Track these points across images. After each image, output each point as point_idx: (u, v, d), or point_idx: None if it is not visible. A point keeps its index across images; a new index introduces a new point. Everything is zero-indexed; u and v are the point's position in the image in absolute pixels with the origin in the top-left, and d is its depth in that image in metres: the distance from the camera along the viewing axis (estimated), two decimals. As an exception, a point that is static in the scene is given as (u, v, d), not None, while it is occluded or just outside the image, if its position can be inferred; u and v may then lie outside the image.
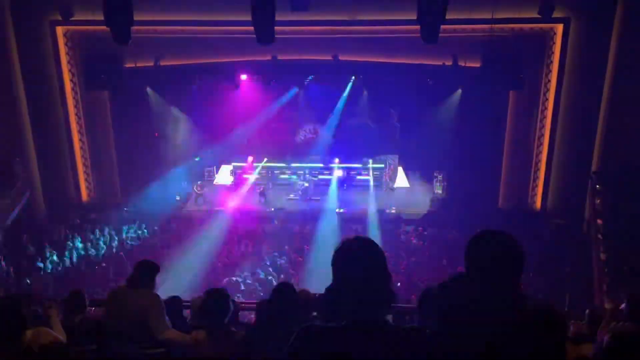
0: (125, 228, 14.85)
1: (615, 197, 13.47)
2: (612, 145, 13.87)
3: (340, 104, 17.08)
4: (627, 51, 13.15)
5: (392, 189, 17.55)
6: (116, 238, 14.45)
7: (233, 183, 17.89)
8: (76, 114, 15.71)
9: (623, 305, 4.59)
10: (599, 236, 13.05)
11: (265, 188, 17.17)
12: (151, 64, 14.93)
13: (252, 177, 17.78)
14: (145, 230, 14.98)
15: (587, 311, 5.39)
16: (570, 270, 12.85)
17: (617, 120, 13.66)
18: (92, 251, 13.80)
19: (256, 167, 17.87)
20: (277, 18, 9.59)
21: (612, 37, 13.47)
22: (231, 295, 4.42)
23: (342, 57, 14.51)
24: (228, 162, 18.37)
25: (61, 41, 14.95)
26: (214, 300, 4.18)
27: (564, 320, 2.62)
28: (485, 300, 2.28)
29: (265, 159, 17.90)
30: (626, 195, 13.23)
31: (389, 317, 2.29)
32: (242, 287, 11.81)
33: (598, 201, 13.74)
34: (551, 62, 14.38)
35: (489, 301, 2.27)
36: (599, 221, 13.33)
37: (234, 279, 12.11)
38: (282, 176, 18.18)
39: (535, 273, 12.26)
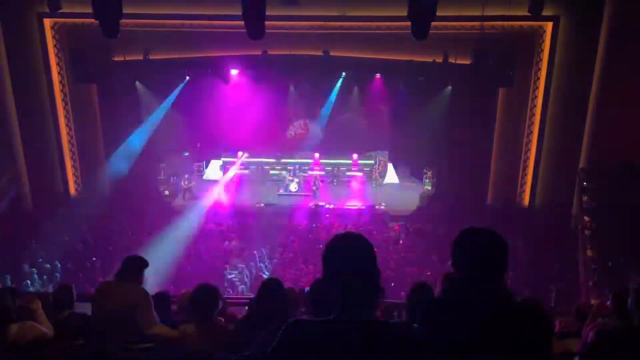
0: (113, 223, 14.76)
1: (602, 194, 13.61)
2: (600, 142, 14.00)
3: (330, 99, 17.09)
4: (616, 49, 13.26)
5: (382, 185, 17.63)
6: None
7: (222, 178, 17.86)
8: (64, 107, 15.55)
9: (608, 302, 4.64)
10: (586, 232, 13.19)
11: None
12: (140, 57, 14.79)
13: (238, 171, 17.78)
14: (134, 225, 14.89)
15: (573, 307, 5.45)
16: (556, 266, 12.98)
17: (605, 117, 13.78)
18: (80, 245, 13.71)
19: (247, 162, 17.89)
20: (268, 13, 9.55)
21: (601, 35, 13.58)
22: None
23: (332, 53, 14.49)
24: (217, 157, 18.33)
25: (49, 34, 14.78)
26: (203, 294, 4.19)
27: (550, 315, 2.65)
28: (471, 295, 2.30)
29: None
30: (613, 192, 13.37)
31: (377, 312, 2.30)
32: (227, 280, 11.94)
33: (585, 198, 13.88)
34: (540, 59, 14.46)
35: (476, 297, 2.28)
36: (586, 218, 13.47)
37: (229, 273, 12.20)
38: (273, 172, 18.19)
39: (521, 269, 12.37)
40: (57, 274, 12.47)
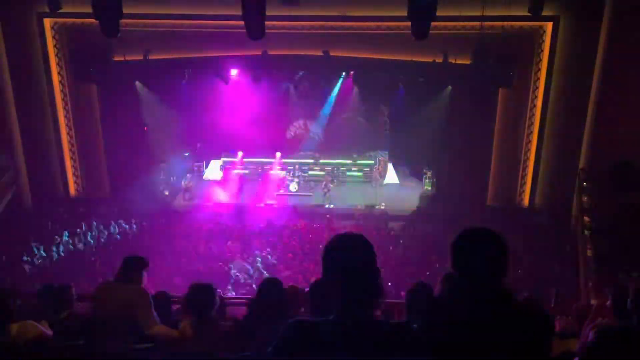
0: (113, 222, 14.75)
1: (602, 194, 13.60)
2: (599, 142, 14.00)
3: (330, 99, 17.08)
4: (615, 49, 13.26)
5: (382, 185, 17.62)
6: (105, 232, 14.37)
7: (222, 178, 17.85)
8: (64, 107, 15.57)
9: (608, 302, 4.65)
10: (586, 233, 13.18)
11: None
12: (140, 57, 14.80)
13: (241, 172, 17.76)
14: (134, 225, 14.88)
15: (573, 307, 5.45)
16: (556, 266, 12.98)
17: (605, 117, 13.78)
18: (80, 245, 13.70)
19: (246, 162, 17.85)
20: (268, 13, 9.56)
21: (601, 35, 13.59)
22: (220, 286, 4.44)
23: (332, 53, 14.49)
24: (217, 158, 18.32)
25: (49, 34, 14.79)
26: (199, 294, 4.19)
27: (550, 316, 2.65)
28: (471, 296, 2.30)
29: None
30: (613, 192, 13.36)
31: (377, 313, 2.30)
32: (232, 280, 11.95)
33: (585, 198, 13.87)
34: (540, 59, 14.47)
35: (475, 297, 2.28)
36: (586, 218, 13.46)
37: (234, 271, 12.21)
38: (273, 172, 18.17)
39: (521, 269, 12.36)
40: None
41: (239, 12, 9.49)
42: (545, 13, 13.46)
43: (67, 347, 4.11)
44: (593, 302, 8.76)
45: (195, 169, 18.21)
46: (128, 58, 14.78)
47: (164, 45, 14.59)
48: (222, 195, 16.69)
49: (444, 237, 13.39)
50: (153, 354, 4.15)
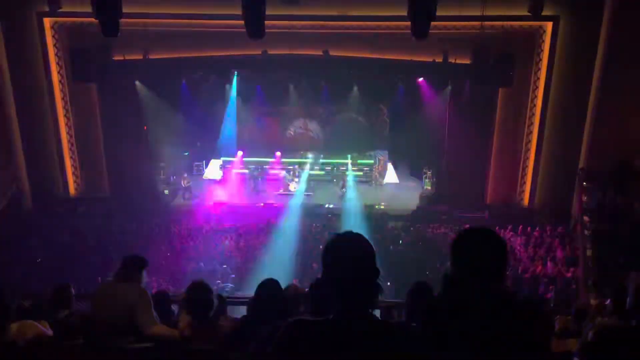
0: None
1: (602, 194, 13.60)
2: (599, 142, 14.00)
3: (330, 99, 17.08)
4: (615, 49, 13.26)
5: (381, 185, 17.63)
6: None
7: (222, 178, 17.85)
8: (64, 107, 15.56)
9: (608, 301, 4.65)
10: (586, 232, 13.18)
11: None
12: (140, 56, 14.79)
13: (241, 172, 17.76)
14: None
15: (573, 307, 5.45)
16: (556, 266, 12.97)
17: (605, 117, 13.78)
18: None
19: (246, 161, 17.85)
20: (268, 13, 9.56)
21: (601, 35, 13.59)
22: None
23: (332, 52, 14.48)
24: (217, 157, 18.32)
25: (49, 33, 14.79)
26: (198, 293, 4.18)
27: (550, 315, 2.65)
28: (471, 295, 2.30)
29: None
30: (613, 192, 13.36)
31: (377, 312, 2.30)
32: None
33: (585, 198, 13.87)
34: (540, 59, 14.47)
35: (475, 297, 2.28)
36: (586, 218, 13.47)
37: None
38: (272, 171, 18.17)
39: (521, 269, 12.36)
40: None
41: (239, 12, 9.49)
42: (545, 13, 13.47)
43: (67, 347, 4.11)
44: (593, 302, 8.75)
45: (195, 168, 18.22)
46: (128, 58, 14.76)
47: (164, 45, 14.57)
48: (222, 195, 16.69)
49: (444, 237, 13.42)
50: (153, 354, 4.15)
